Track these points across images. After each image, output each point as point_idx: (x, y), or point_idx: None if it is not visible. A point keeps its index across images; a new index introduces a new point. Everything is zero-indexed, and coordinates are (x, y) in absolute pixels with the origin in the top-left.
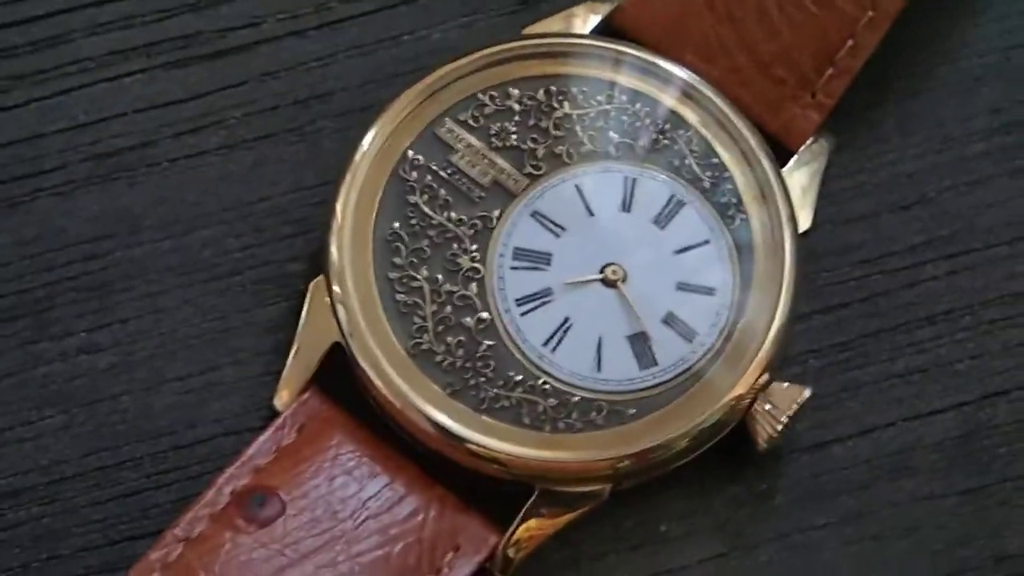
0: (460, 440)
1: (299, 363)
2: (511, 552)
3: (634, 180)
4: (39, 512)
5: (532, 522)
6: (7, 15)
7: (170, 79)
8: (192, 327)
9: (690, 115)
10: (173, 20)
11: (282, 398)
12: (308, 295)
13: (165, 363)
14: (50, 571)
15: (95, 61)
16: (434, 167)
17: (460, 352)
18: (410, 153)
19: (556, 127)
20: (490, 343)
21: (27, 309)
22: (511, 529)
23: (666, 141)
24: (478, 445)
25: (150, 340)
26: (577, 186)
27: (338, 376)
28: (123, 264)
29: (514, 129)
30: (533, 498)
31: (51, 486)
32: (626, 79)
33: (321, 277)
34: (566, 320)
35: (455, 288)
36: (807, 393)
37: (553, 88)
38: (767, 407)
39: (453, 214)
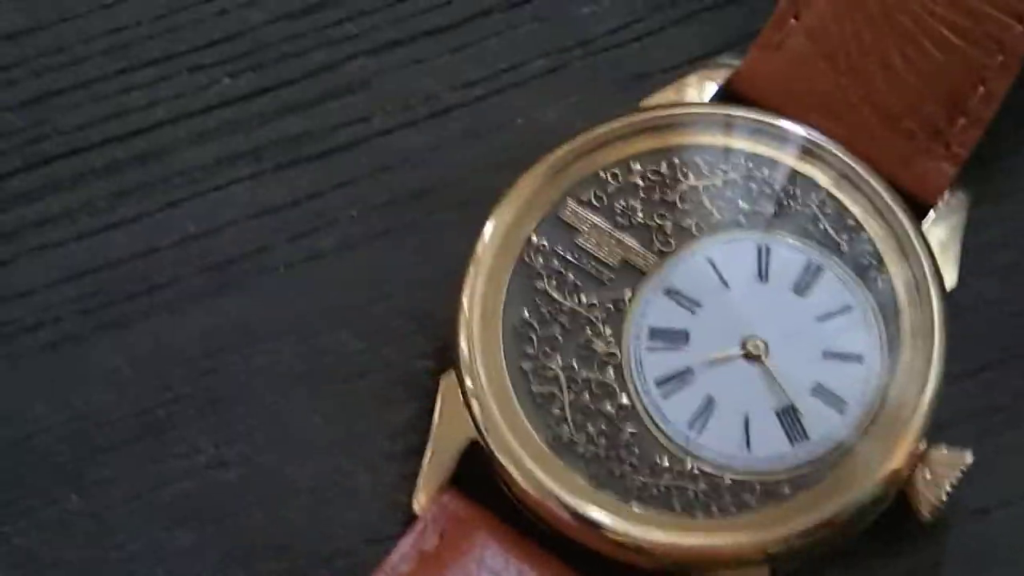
0: (610, 532)
1: (435, 463)
2: None
3: (768, 248)
4: None
5: None
6: (110, 130)
7: (279, 182)
8: (319, 435)
9: (819, 176)
10: (278, 122)
11: (420, 501)
12: (439, 392)
13: (295, 474)
14: None
15: (202, 170)
16: (560, 251)
17: (602, 441)
18: (534, 238)
19: (682, 200)
20: (633, 430)
21: (147, 428)
22: None
23: (796, 205)
24: (629, 536)
25: (277, 451)
26: (709, 259)
27: (476, 474)
28: (242, 375)
29: (639, 205)
30: None
31: None
32: (749, 144)
33: (451, 372)
34: (710, 399)
35: (591, 374)
36: (969, 458)
37: (676, 160)
38: (927, 475)
39: (583, 298)
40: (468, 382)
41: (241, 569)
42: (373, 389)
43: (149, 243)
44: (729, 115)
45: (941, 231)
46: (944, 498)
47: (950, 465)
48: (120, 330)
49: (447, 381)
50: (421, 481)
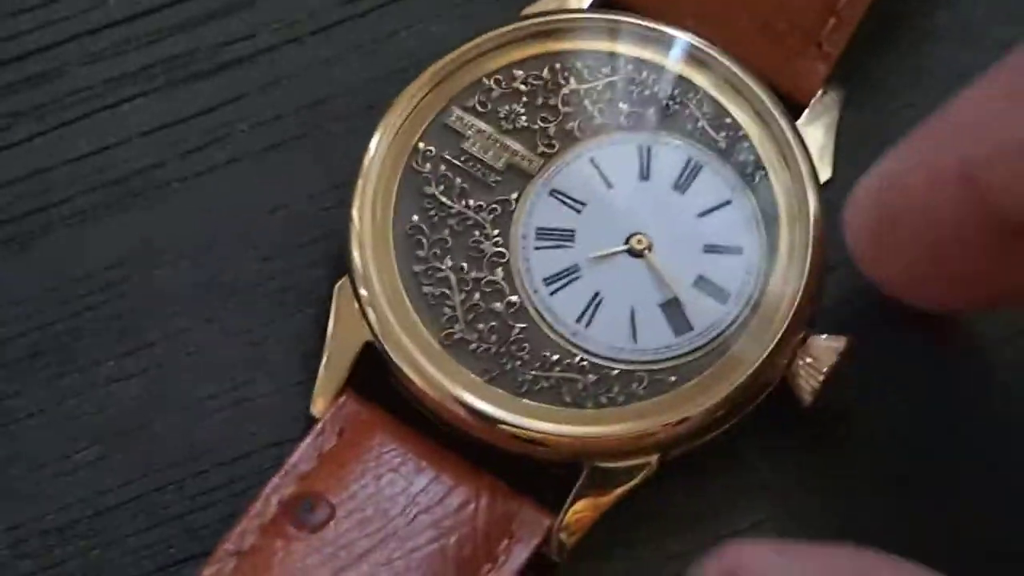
0: (502, 425)
1: (331, 368)
2: (564, 535)
3: (649, 148)
4: (85, 546)
5: (582, 502)
6: (2, 53)
7: (170, 100)
8: (220, 346)
9: (698, 78)
10: (167, 41)
11: (318, 405)
12: (333, 300)
13: (197, 384)
14: None
15: (92, 90)
16: (447, 156)
17: (493, 338)
18: (421, 145)
19: (565, 104)
20: (522, 326)
21: (50, 344)
22: (564, 510)
23: (677, 106)
24: (521, 428)
25: (179, 363)
26: (593, 160)
27: (372, 377)
28: (143, 289)
29: (523, 110)
30: (582, 478)
31: (95, 519)
32: (629, 48)
33: (345, 280)
34: (596, 295)
35: (481, 274)
36: (846, 343)
37: (557, 65)
38: (808, 361)
39: (471, 201)
40: (363, 291)
41: (146, 479)
42: (272, 299)
43: (44, 163)
44: (609, 20)
45: (815, 128)
46: (822, 381)
47: (828, 350)
48: (18, 249)
49: (340, 288)
50: (319, 386)
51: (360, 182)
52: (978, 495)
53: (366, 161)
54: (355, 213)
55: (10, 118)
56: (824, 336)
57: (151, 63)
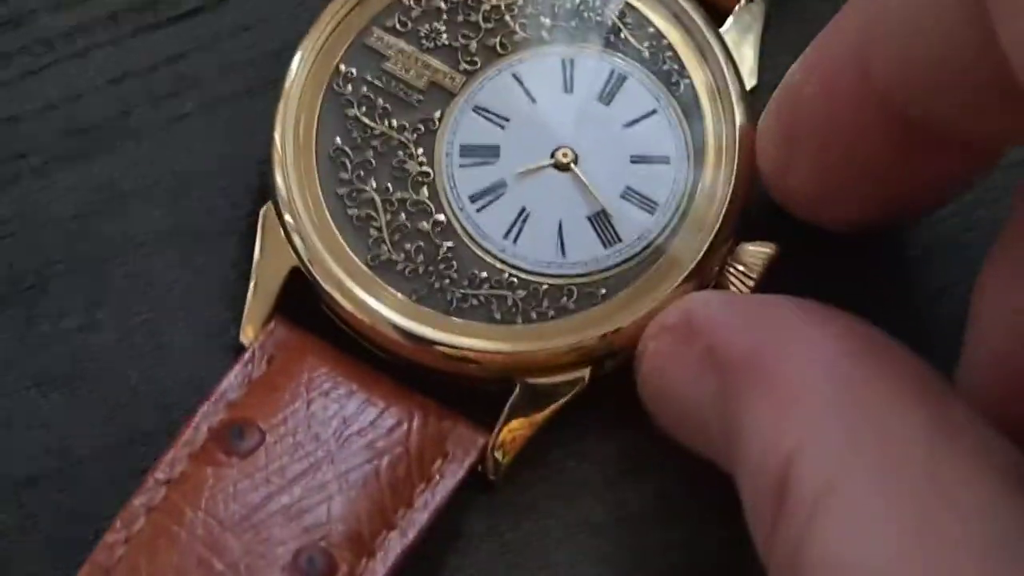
0: (432, 344)
1: (260, 295)
2: (499, 453)
3: (572, 61)
4: (58, 497)
5: (516, 420)
6: None
7: (139, 46)
8: (191, 292)
9: None
10: None
11: (247, 333)
12: (259, 226)
13: (168, 331)
14: (77, 555)
15: (61, 38)
16: (368, 77)
17: (421, 258)
18: (342, 67)
19: (486, 20)
20: (450, 244)
21: (19, 293)
22: (497, 428)
23: (598, 18)
24: (451, 347)
25: (150, 310)
26: (515, 75)
27: (301, 302)
28: (112, 237)
29: (444, 28)
30: (515, 394)
31: (67, 469)
32: None
33: (269, 206)
34: (523, 210)
35: (406, 195)
36: (774, 248)
37: None
38: (738, 267)
39: (394, 121)
40: (288, 217)
41: (117, 427)
42: (242, 244)
43: (10, 111)
44: None
45: (740, 36)
46: (751, 287)
47: (758, 256)
48: None
49: (265, 213)
50: (247, 313)
51: (281, 105)
52: None
53: (287, 83)
54: (277, 137)
55: None
56: (753, 243)
57: (119, 10)
